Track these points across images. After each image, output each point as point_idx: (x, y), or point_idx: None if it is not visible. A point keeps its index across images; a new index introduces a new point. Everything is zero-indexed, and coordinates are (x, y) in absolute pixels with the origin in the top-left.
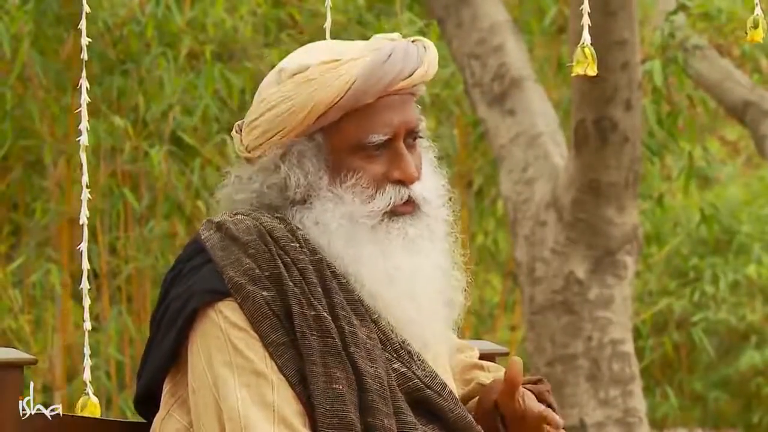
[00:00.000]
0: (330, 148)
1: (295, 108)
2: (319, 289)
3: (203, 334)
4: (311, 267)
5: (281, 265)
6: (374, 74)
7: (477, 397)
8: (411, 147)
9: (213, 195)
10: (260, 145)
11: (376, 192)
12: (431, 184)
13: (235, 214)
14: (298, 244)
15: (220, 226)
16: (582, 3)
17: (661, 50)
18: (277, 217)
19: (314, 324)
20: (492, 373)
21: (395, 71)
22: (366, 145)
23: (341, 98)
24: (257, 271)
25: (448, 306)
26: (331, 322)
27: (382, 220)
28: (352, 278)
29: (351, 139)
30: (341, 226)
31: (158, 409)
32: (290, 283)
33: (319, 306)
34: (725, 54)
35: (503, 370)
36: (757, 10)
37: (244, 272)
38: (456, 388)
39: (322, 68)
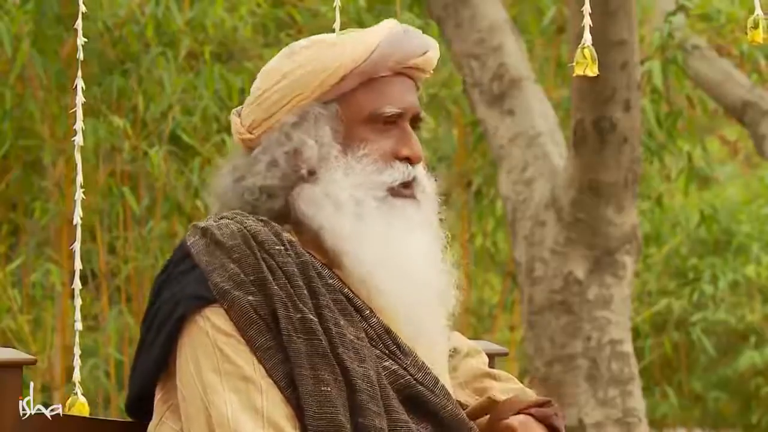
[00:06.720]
0: (343, 117)
1: (317, 68)
2: (305, 292)
3: (191, 341)
4: (296, 269)
5: (266, 269)
6: (395, 43)
7: (488, 415)
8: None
9: (206, 190)
10: (270, 117)
11: (384, 166)
12: (427, 175)
13: (221, 218)
14: (283, 247)
15: (205, 231)
16: (582, 3)
17: (661, 50)
18: (261, 221)
19: (300, 327)
20: (504, 383)
21: (413, 45)
22: (380, 116)
23: (364, 62)
24: (242, 275)
25: (443, 295)
26: (317, 324)
27: (386, 197)
28: (351, 257)
29: (366, 109)
30: (351, 197)
31: (150, 414)
32: (275, 287)
33: (305, 308)
34: (724, 54)
35: (513, 379)
36: (758, 11)
37: (230, 277)
38: (467, 396)
39: (343, 36)
